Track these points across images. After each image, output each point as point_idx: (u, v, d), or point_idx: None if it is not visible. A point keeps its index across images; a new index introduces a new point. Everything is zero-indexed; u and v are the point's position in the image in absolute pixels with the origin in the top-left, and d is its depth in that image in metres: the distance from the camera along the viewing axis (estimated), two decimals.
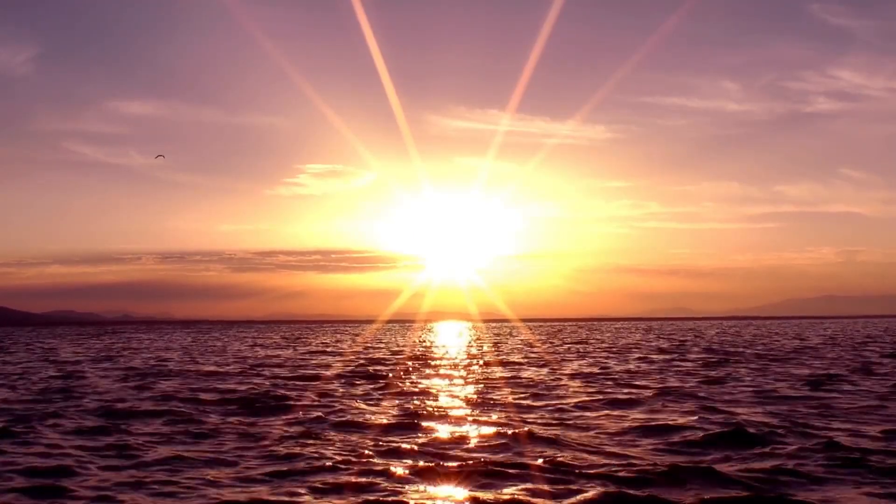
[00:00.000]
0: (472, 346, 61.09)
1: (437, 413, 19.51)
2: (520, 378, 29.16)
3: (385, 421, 18.35)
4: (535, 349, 54.09)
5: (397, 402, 22.24)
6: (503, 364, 37.96)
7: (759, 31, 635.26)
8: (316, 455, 14.20)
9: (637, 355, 44.80)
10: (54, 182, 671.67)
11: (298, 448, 14.95)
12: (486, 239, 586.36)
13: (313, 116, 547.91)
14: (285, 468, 13.18)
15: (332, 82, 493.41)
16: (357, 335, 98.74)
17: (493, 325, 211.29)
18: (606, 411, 19.52)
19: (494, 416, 18.87)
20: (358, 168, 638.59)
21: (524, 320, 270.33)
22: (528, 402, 21.73)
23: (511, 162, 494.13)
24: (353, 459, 13.76)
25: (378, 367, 35.56)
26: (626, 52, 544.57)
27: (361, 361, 41.10)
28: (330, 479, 12.36)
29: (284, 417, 19.12)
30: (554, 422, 17.73)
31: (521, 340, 73.05)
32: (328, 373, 33.07)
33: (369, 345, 65.46)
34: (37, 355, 51.80)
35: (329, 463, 13.48)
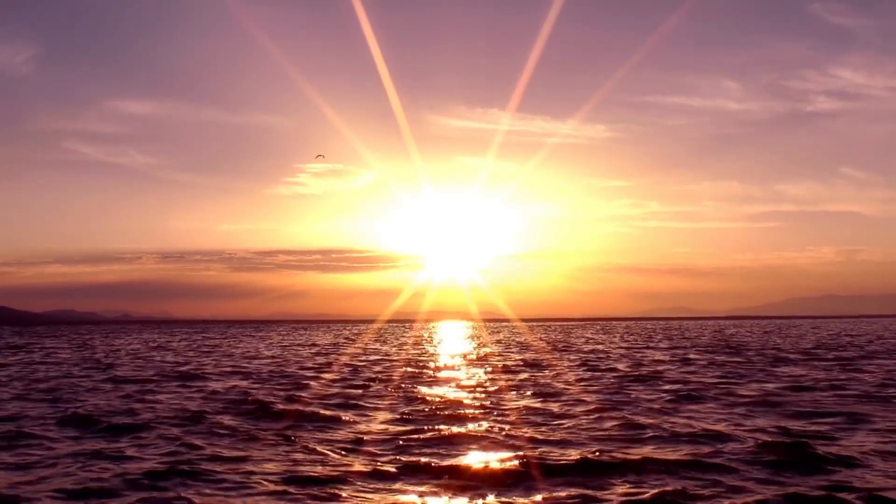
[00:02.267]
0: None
1: None
2: None
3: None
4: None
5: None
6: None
7: (759, 31, 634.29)
8: None
9: None
10: (54, 182, 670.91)
11: None
12: (487, 238, 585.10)
13: (313, 116, 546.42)
14: None
15: (332, 82, 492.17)
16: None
17: (494, 324, 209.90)
18: None
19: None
20: (358, 168, 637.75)
21: (524, 320, 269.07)
22: None
23: (511, 161, 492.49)
24: None
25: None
26: (627, 51, 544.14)
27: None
28: None
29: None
30: None
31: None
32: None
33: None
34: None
35: None
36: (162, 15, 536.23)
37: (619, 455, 13.58)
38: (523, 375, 30.44)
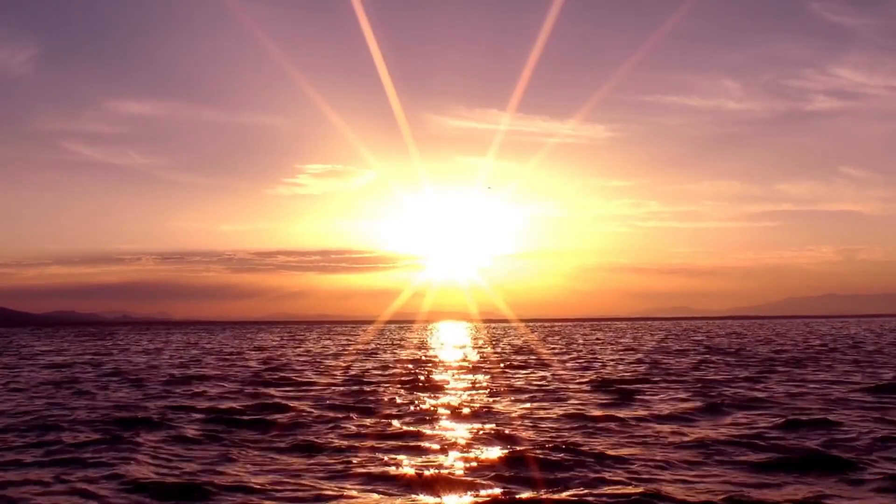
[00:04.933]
0: None
1: None
2: None
3: None
4: None
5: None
6: None
7: (759, 30, 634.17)
8: None
9: None
10: (54, 182, 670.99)
11: None
12: (487, 238, 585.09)
13: (313, 116, 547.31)
14: None
15: (332, 82, 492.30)
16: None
17: (494, 325, 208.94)
18: None
19: None
20: (358, 168, 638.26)
21: (524, 320, 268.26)
22: None
23: (511, 161, 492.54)
24: None
25: None
26: (627, 51, 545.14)
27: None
28: None
29: None
30: None
31: None
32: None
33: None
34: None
35: None
36: (162, 15, 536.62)
37: None
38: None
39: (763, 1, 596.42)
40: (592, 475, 12.57)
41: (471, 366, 38.52)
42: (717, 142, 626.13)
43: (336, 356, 49.48)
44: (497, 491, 11.69)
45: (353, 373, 34.55)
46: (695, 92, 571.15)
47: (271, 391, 26.22)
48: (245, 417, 19.55)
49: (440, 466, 13.41)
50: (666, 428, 17.24)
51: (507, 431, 16.76)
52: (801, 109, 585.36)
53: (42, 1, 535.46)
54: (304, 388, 27.39)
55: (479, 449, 14.94)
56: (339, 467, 13.57)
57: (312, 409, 21.01)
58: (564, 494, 11.46)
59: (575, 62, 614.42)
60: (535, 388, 26.28)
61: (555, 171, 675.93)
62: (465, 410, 20.46)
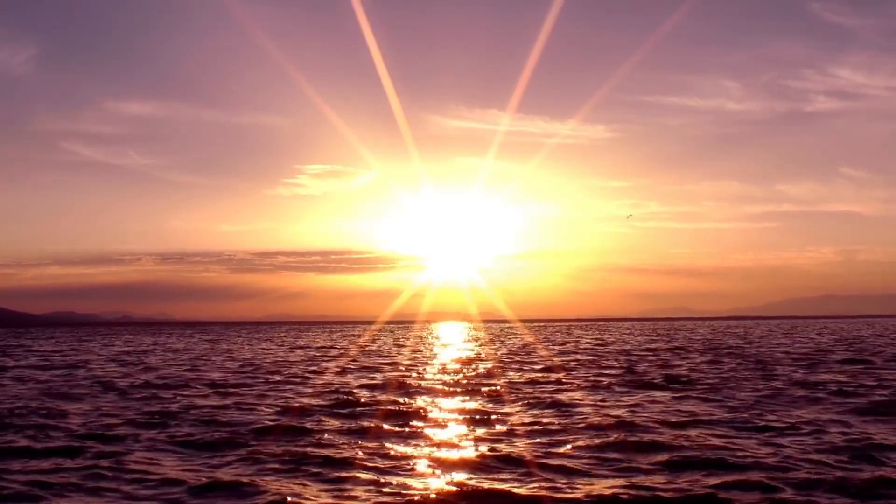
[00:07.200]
0: None
1: None
2: None
3: None
4: None
5: None
6: None
7: (759, 30, 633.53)
8: None
9: None
10: (54, 182, 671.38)
11: None
12: (487, 238, 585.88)
13: (313, 116, 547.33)
14: None
15: (332, 82, 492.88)
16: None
17: (494, 325, 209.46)
18: None
19: None
20: (358, 168, 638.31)
21: (524, 321, 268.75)
22: None
23: (511, 161, 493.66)
24: None
25: None
26: (627, 51, 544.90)
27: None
28: None
29: None
30: None
31: None
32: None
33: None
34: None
35: None
36: (161, 15, 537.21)
37: None
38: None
39: (763, 1, 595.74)
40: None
41: (472, 366, 39.26)
42: (717, 142, 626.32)
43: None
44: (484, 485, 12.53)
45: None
46: (695, 92, 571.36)
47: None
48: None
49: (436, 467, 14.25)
50: None
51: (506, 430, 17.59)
52: (801, 110, 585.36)
53: (42, 1, 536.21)
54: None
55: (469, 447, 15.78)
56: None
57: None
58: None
59: (575, 62, 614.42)
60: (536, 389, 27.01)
61: (555, 172, 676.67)
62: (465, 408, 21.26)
